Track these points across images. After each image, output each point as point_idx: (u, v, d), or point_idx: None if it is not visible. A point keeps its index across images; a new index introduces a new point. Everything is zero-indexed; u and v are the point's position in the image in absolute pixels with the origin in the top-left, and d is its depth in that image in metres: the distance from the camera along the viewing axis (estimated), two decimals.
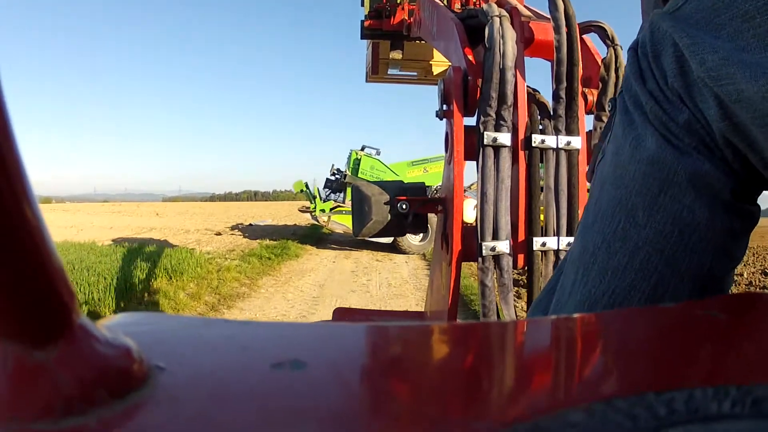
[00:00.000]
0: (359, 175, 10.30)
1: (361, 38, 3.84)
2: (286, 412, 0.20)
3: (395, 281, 6.62)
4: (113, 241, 10.05)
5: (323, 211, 9.90)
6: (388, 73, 4.35)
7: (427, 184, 1.92)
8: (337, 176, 11.38)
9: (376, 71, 4.28)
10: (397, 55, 3.81)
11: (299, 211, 10.80)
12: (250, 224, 14.89)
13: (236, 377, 0.23)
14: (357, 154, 10.89)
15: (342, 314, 2.17)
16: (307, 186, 10.94)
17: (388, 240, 8.98)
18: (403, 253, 9.34)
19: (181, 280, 5.62)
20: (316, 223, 10.07)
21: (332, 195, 11.43)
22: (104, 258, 6.59)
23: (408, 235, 8.66)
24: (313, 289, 6.00)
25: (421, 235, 9.17)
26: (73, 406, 0.19)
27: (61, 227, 13.26)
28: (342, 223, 9.63)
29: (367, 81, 4.60)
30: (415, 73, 4.25)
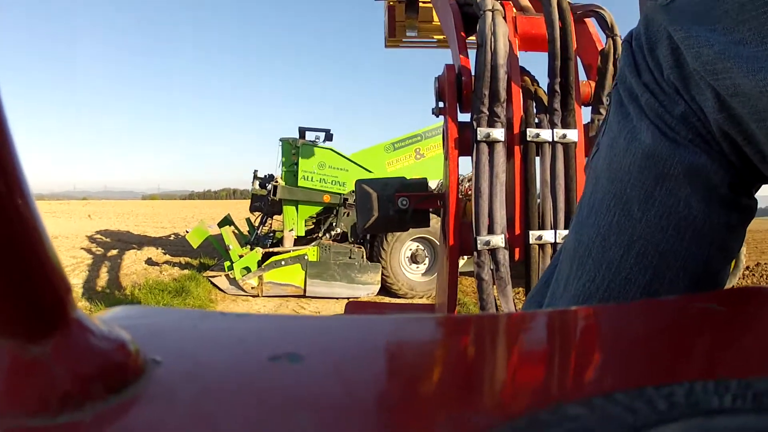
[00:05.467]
0: (300, 181, 6.40)
1: None
2: (283, 405, 0.20)
3: None
4: None
5: (247, 269, 5.83)
6: (407, 34, 4.15)
7: (429, 179, 1.94)
8: (266, 185, 7.26)
9: (393, 34, 4.12)
10: (410, 19, 3.72)
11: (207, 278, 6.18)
12: (187, 231, 9.36)
13: (233, 370, 0.22)
14: (293, 144, 6.62)
15: (354, 307, 2.23)
16: (228, 222, 6.99)
17: (372, 288, 5.95)
18: (400, 296, 5.97)
19: None
20: (242, 292, 5.88)
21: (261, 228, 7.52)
22: None
23: (404, 267, 6.13)
24: None
25: (426, 263, 6.23)
26: (69, 400, 0.19)
27: None
28: (285, 282, 5.85)
29: (386, 46, 4.49)
30: (435, 40, 4.11)
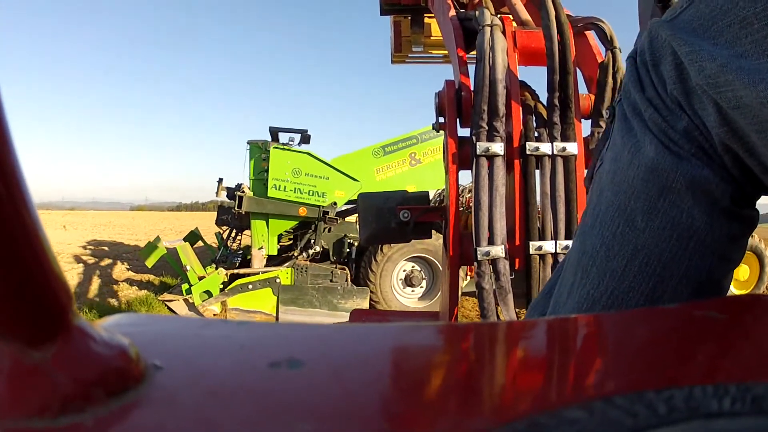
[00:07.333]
0: (271, 191, 5.37)
1: (381, 14, 3.62)
2: (283, 411, 0.20)
3: None
4: None
5: (209, 293, 5.00)
6: (413, 50, 4.09)
7: (428, 191, 1.98)
8: (234, 196, 5.71)
9: (399, 49, 4.07)
10: (416, 34, 3.68)
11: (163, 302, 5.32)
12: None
13: (233, 376, 0.22)
14: (263, 147, 5.61)
15: (359, 315, 2.25)
16: (196, 237, 6.16)
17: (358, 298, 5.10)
18: None
19: None
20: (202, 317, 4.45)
21: (230, 244, 6.50)
22: None
23: (396, 290, 5.37)
24: None
25: (423, 285, 5.51)
26: (69, 404, 0.19)
27: None
28: (253, 309, 5.06)
29: (392, 62, 4.34)
30: (441, 55, 4.05)
